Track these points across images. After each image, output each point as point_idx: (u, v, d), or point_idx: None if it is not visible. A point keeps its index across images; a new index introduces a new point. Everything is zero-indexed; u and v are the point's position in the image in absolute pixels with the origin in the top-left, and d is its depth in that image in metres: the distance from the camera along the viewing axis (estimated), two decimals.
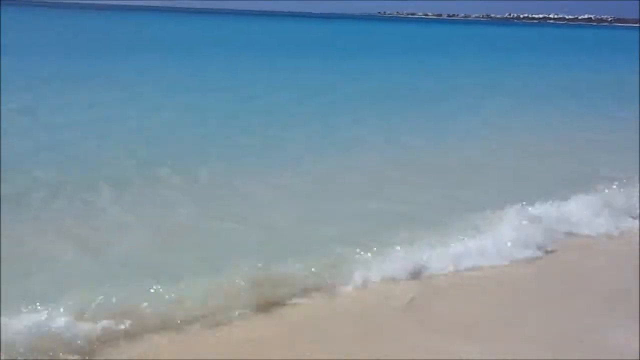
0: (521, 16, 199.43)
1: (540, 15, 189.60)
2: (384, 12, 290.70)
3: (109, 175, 6.32)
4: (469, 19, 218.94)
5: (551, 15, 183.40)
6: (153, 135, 8.68)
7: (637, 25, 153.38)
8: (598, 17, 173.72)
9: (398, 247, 4.26)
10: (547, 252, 4.65)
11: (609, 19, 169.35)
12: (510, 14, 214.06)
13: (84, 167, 6.66)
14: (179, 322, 3.31)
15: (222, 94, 13.37)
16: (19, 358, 3.30)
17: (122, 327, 3.28)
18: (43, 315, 3.35)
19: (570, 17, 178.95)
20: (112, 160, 7.09)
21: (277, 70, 19.17)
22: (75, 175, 6.22)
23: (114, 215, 5.23)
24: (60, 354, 3.28)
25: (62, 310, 3.37)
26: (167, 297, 3.45)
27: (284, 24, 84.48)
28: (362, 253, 4.20)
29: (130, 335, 3.24)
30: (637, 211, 5.78)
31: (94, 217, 5.29)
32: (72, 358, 3.29)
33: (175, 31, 49.46)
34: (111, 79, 14.94)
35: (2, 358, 3.29)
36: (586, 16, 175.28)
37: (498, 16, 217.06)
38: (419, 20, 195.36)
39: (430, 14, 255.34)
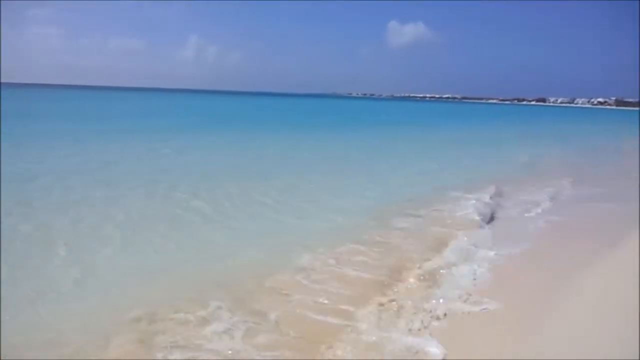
0: (410, 95, 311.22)
1: (421, 95, 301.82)
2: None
3: None
4: (382, 96, 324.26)
5: (427, 95, 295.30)
6: None
7: (481, 100, 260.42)
8: (454, 95, 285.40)
9: None
10: None
11: (459, 97, 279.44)
12: (409, 94, 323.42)
13: None
14: None
15: None
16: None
17: None
18: None
19: (437, 95, 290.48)
20: None
21: None
22: None
23: None
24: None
25: None
26: None
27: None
28: None
29: None
30: None
31: None
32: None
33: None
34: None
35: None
36: (448, 95, 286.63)
37: (400, 95, 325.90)
38: (351, 98, 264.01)
39: (357, 93, 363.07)
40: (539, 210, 10.02)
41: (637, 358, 3.82)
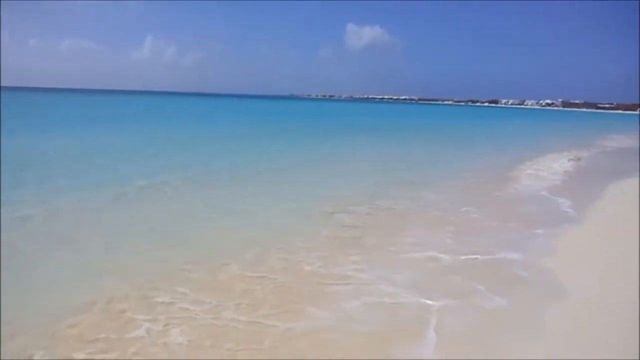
0: (369, 97, 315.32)
1: (379, 96, 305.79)
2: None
3: None
4: (341, 98, 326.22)
5: (385, 97, 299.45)
6: None
7: (437, 102, 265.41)
8: (411, 97, 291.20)
9: None
10: None
11: (416, 98, 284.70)
12: (367, 95, 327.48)
13: None
14: None
15: None
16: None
17: None
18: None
19: (395, 97, 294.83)
20: None
21: None
22: None
23: None
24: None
25: None
26: None
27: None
28: None
29: None
30: None
31: None
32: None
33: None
34: None
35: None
36: (406, 97, 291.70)
37: (359, 96, 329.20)
38: (311, 100, 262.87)
39: (317, 94, 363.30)
40: None
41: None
